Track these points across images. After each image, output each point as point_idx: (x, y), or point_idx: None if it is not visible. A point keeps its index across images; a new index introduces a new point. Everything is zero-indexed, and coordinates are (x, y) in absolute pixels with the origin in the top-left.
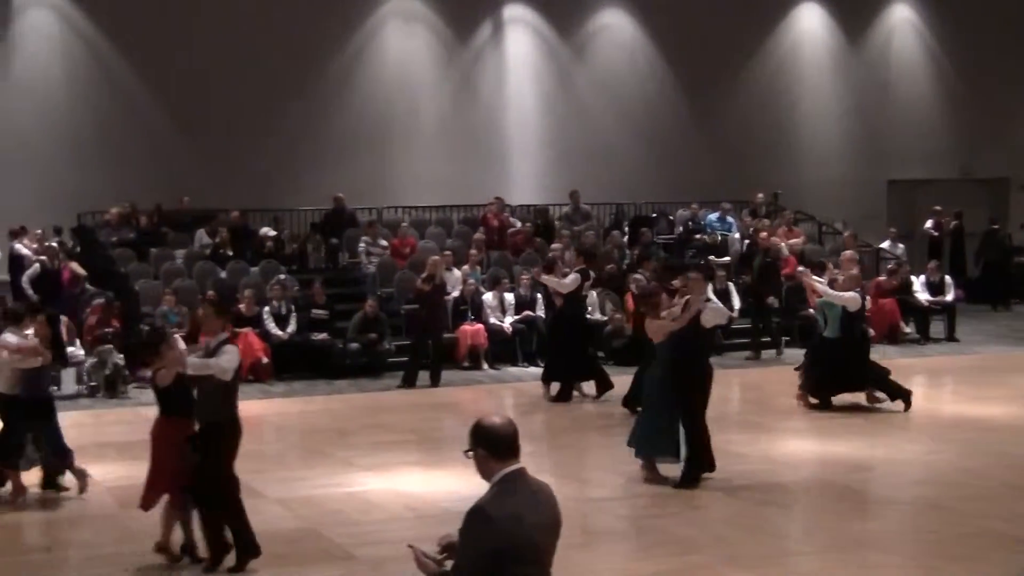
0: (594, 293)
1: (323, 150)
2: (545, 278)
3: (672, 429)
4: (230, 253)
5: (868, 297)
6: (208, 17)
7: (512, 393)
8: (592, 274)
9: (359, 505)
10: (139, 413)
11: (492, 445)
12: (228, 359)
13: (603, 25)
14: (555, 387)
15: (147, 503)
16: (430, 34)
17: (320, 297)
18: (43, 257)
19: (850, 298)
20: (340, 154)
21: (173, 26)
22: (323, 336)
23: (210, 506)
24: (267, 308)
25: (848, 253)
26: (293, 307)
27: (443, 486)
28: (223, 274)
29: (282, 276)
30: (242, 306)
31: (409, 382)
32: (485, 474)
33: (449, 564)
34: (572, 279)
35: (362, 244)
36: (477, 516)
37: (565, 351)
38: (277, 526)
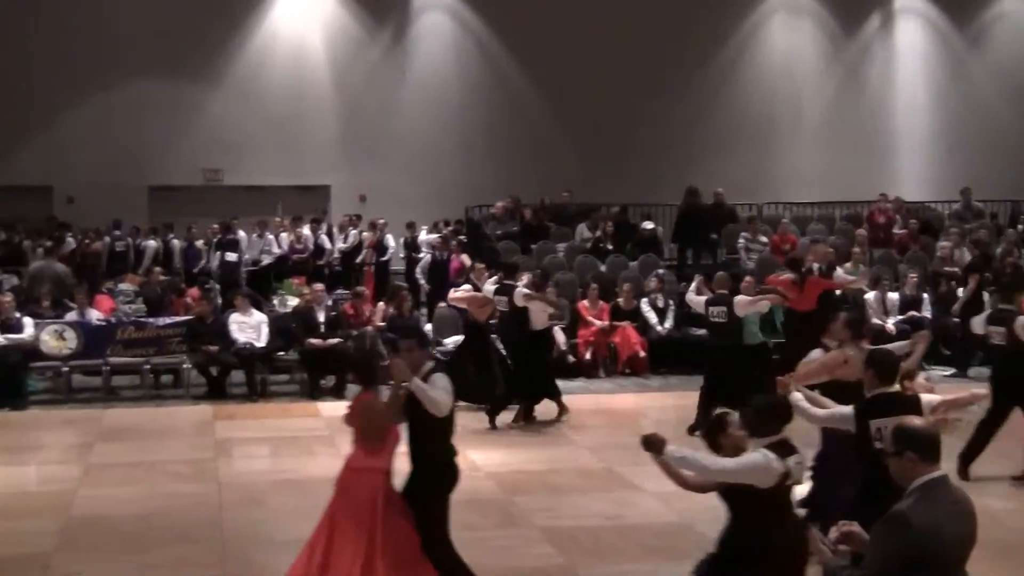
0: (985, 295)
1: (704, 145)
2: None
3: None
4: (610, 247)
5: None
6: (591, 17)
7: None
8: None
9: None
10: None
11: (923, 448)
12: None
13: (1002, 12)
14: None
15: None
16: (815, 27)
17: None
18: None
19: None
20: (720, 149)
21: (559, 26)
22: (701, 332)
23: None
24: (645, 301)
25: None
26: (671, 302)
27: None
28: (603, 267)
29: (660, 271)
30: (621, 300)
31: None
32: (905, 478)
33: (843, 551)
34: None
35: (742, 240)
36: (897, 521)
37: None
38: (654, 520)
